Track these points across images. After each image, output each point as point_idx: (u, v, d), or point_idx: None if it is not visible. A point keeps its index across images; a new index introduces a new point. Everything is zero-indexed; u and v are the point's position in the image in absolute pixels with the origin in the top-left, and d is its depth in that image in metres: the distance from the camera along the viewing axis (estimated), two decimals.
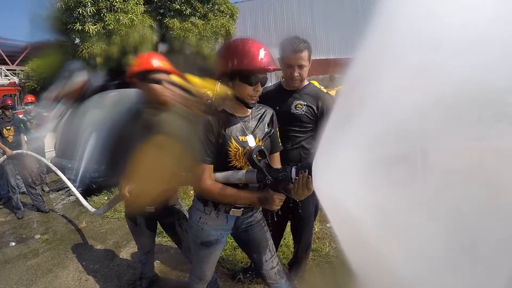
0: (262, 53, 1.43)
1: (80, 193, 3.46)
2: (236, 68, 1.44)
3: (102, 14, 9.28)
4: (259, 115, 1.68)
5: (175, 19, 10.67)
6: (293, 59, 2.04)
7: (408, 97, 0.80)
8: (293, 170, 1.37)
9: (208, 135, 1.49)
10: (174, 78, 1.87)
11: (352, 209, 0.95)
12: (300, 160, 2.13)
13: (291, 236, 2.70)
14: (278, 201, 1.46)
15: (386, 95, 0.86)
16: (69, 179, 5.21)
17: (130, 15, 9.32)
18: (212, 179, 1.52)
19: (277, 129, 1.76)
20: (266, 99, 2.08)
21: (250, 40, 1.46)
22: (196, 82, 1.69)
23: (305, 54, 2.03)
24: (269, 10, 21.49)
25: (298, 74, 2.07)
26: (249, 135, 1.59)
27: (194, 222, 1.69)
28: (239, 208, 1.65)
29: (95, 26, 9.16)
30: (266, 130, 1.67)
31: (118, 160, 2.07)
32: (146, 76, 1.87)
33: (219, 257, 1.84)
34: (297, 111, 2.12)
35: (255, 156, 1.43)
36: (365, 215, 0.91)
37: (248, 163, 1.51)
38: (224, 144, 1.52)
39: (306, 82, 2.21)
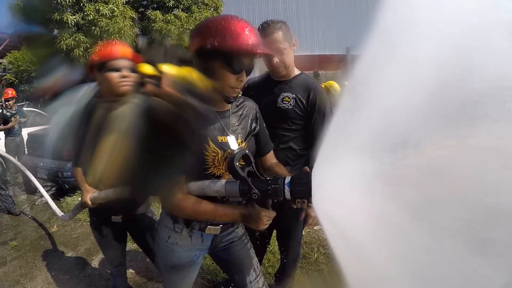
0: (247, 32, 1.16)
1: (52, 193, 3.23)
2: (215, 50, 1.14)
3: (81, 4, 8.87)
4: (241, 110, 1.41)
5: (158, 11, 10.33)
6: (266, 44, 1.74)
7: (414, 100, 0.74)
8: (286, 186, 1.09)
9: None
10: (144, 66, 1.63)
11: (359, 237, 0.79)
12: (287, 163, 1.87)
13: (277, 241, 2.44)
14: (266, 219, 1.19)
15: (393, 98, 0.77)
16: (41, 178, 4.95)
17: (110, 6, 8.95)
18: (184, 192, 1.23)
19: (264, 124, 1.50)
20: (250, 91, 1.85)
21: (234, 17, 1.18)
22: (170, 71, 1.43)
23: (278, 35, 1.74)
24: (254, 4, 21.19)
25: (278, 60, 1.77)
26: (230, 135, 1.31)
27: (162, 241, 1.41)
28: (217, 225, 1.38)
29: (74, 17, 8.75)
30: (250, 128, 1.40)
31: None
32: (104, 65, 1.67)
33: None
34: (284, 105, 1.84)
35: (237, 163, 1.13)
36: (375, 245, 0.76)
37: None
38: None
39: (296, 71, 1.92)
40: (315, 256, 3.08)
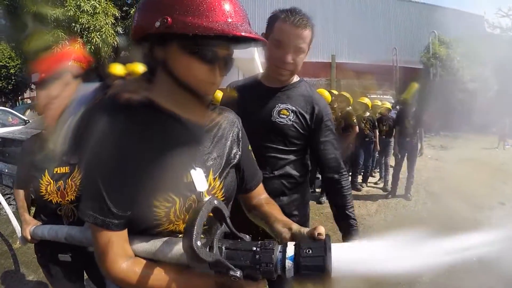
0: (226, 3, 0.74)
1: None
2: (170, 31, 0.71)
3: None
4: (215, 127, 0.93)
5: None
6: (291, 35, 1.35)
7: None
8: (289, 260, 0.69)
9: (113, 172, 0.75)
10: (114, 67, 1.34)
11: None
12: (283, 193, 1.50)
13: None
14: None
15: None
16: (6, 186, 4.57)
17: (92, 2, 8.61)
18: (128, 255, 0.78)
19: (248, 145, 1.06)
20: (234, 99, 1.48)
21: None
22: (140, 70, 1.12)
23: (308, 33, 1.38)
24: (254, 3, 20.67)
25: (292, 61, 1.39)
26: (196, 168, 0.83)
27: None
28: None
29: (54, 12, 8.34)
30: (228, 155, 0.93)
31: None
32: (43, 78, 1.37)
33: None
34: (281, 120, 1.45)
35: (199, 243, 0.66)
36: None
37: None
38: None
39: (296, 78, 1.54)
40: None
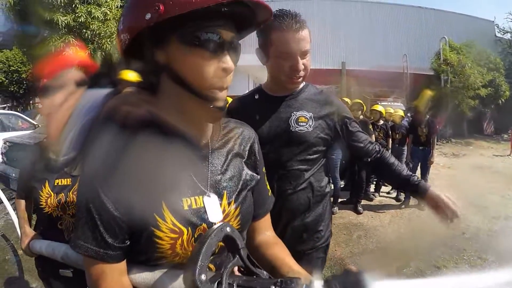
0: None
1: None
2: (168, 11, 0.59)
3: (74, 5, 8.55)
4: (229, 143, 0.82)
5: None
6: (294, 42, 1.26)
7: None
8: None
9: (108, 198, 0.64)
10: (126, 73, 1.22)
11: None
12: (307, 209, 1.40)
13: None
14: None
15: None
16: (13, 190, 4.54)
17: (103, 9, 8.67)
18: (123, 287, 0.68)
19: (263, 166, 0.92)
20: (243, 113, 1.30)
21: None
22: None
23: (306, 31, 1.29)
24: None
25: (303, 66, 1.31)
26: (209, 193, 0.73)
27: None
28: None
29: (64, 18, 8.40)
30: (245, 175, 0.82)
31: None
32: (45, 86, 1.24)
33: None
34: (301, 129, 1.34)
35: (203, 277, 0.55)
36: None
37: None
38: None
39: (302, 83, 1.44)
40: None
